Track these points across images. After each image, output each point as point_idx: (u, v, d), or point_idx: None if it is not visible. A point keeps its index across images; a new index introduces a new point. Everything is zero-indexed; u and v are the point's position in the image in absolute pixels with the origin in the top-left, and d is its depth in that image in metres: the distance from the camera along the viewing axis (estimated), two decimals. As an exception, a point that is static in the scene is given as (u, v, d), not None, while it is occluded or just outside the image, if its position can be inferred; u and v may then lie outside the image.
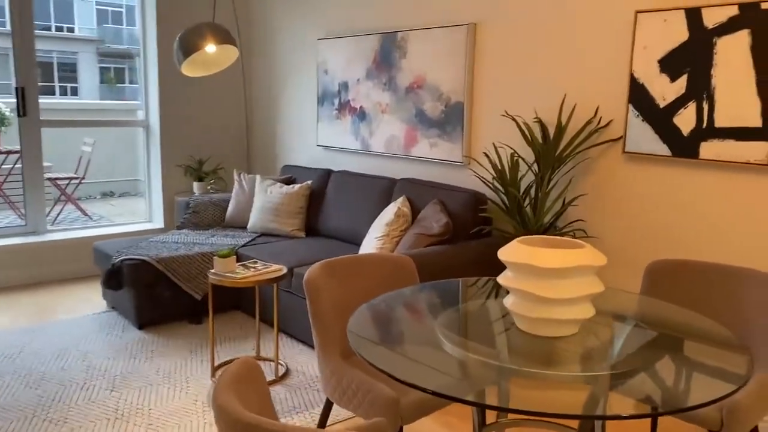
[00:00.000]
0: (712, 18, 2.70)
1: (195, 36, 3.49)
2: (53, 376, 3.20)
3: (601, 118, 3.17)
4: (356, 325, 1.91)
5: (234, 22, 5.48)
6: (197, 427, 2.74)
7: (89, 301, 4.38)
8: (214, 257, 3.11)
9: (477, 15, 3.69)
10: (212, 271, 3.13)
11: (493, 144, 3.50)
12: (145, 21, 5.20)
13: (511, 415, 2.41)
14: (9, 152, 6.85)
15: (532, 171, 3.36)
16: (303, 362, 3.41)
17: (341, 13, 4.60)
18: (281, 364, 3.36)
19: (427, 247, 3.33)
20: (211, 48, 3.58)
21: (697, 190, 2.85)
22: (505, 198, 3.32)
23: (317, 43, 4.79)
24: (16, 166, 6.79)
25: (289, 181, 4.72)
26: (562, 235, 3.22)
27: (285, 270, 3.22)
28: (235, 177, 4.77)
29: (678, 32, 2.81)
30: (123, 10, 24.33)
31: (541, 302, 1.73)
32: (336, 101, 4.68)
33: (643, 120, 2.97)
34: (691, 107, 2.79)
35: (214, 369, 3.26)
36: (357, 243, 4.07)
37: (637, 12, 2.94)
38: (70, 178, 7.20)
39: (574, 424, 2.33)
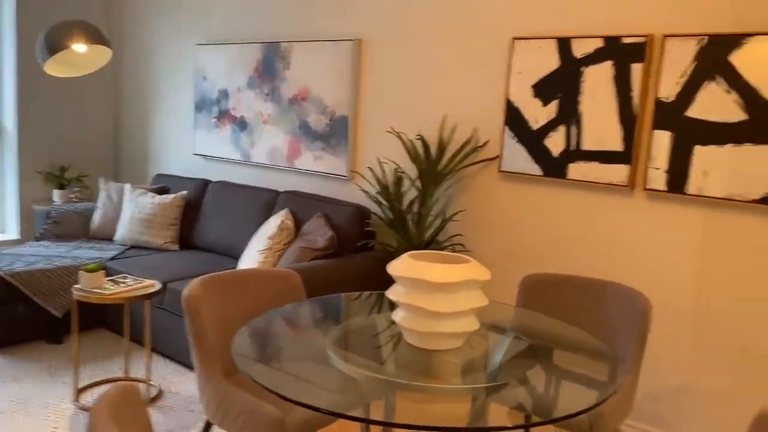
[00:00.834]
0: (580, 49, 2.91)
1: (63, 33, 3.23)
2: None
3: (479, 138, 3.31)
4: (240, 344, 1.84)
5: (104, 21, 5.16)
6: (57, 458, 2.51)
7: (-74, 320, 3.89)
8: (80, 272, 2.88)
9: (363, 31, 3.73)
10: (77, 286, 2.89)
11: (378, 159, 3.54)
12: (1, 14, 4.75)
13: (395, 430, 2.43)
14: None
15: (415, 187, 3.44)
16: (177, 383, 3.24)
17: (222, 20, 4.47)
18: (153, 385, 3.16)
19: (312, 261, 3.30)
20: (80, 47, 3.34)
21: (566, 208, 3.05)
22: (389, 212, 3.36)
23: (196, 49, 4.61)
24: None
25: (162, 191, 4.48)
26: (442, 249, 3.31)
27: (158, 285, 3.04)
28: (101, 185, 4.46)
29: (550, 60, 3.00)
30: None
31: (431, 316, 1.76)
32: (215, 109, 4.53)
33: (517, 141, 3.13)
34: (561, 131, 2.99)
35: (78, 392, 3.01)
36: (235, 256, 3.95)
37: (514, 38, 3.11)
38: None
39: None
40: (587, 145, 2.92)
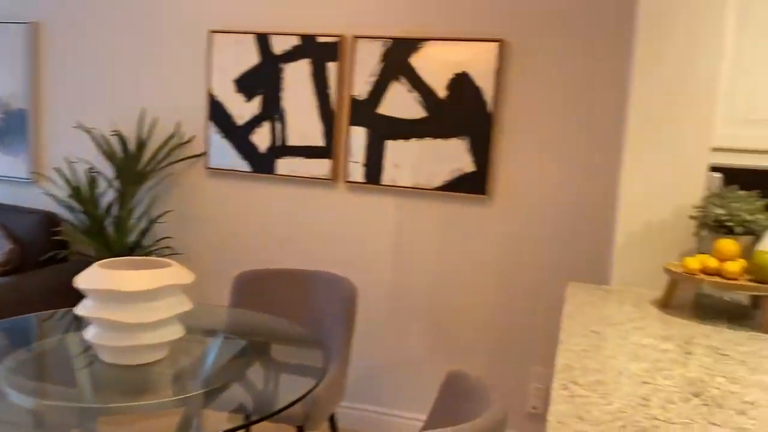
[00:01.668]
0: (279, 45, 2.95)
1: None
2: None
3: (184, 133, 3.15)
4: None
5: None
6: None
7: None
8: None
9: (41, 14, 3.28)
10: None
11: (66, 159, 3.16)
12: None
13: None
14: None
15: (113, 187, 3.15)
16: None
17: None
18: None
19: (-14, 280, 2.80)
20: None
21: (276, 203, 3.08)
22: (83, 218, 3.02)
23: None
24: None
25: None
26: (149, 254, 3.09)
27: None
28: None
29: (250, 55, 2.99)
30: None
31: (127, 329, 1.61)
32: None
33: (223, 137, 3.06)
34: (266, 126, 3.00)
35: None
36: None
37: (211, 31, 3.02)
38: None
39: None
40: (293, 140, 2.98)
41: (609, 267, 2.23)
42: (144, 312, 1.61)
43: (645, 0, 1.99)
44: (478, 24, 2.70)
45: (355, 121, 2.88)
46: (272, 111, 2.99)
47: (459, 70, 2.71)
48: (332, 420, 2.37)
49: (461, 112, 2.73)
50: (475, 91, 2.70)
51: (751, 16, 2.03)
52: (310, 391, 1.64)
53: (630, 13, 2.52)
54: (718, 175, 2.06)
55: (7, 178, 3.38)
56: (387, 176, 2.86)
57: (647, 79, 2.00)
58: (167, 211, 3.21)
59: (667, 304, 1.85)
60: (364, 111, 2.87)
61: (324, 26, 2.91)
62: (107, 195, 3.24)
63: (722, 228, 1.79)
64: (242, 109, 3.03)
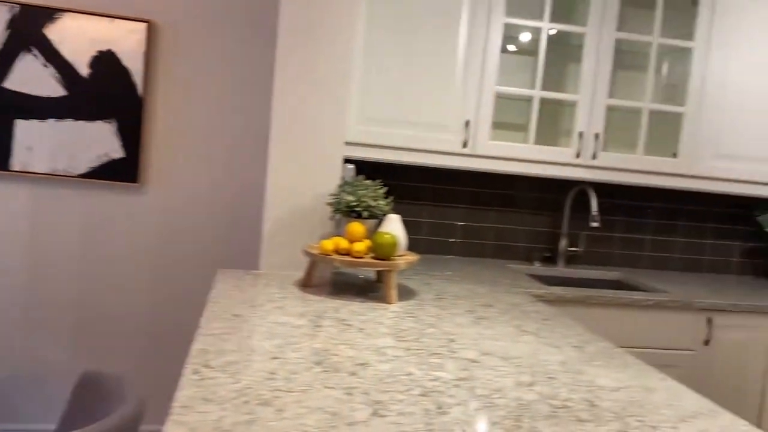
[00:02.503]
0: None
1: None
2: None
3: None
4: None
5: None
6: None
7: None
8: None
9: None
10: None
11: None
12: None
13: None
14: None
15: None
16: None
17: None
18: None
19: None
20: None
21: None
22: None
23: None
24: None
25: None
26: None
27: None
28: None
29: None
30: None
31: None
32: None
33: None
34: None
35: None
36: None
37: None
38: None
39: None
40: None
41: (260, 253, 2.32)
42: None
43: (287, -2, 2.09)
44: (126, 1, 2.54)
45: (-26, 96, 2.46)
46: None
47: (104, 48, 2.51)
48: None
49: (107, 92, 2.54)
50: (124, 72, 2.53)
51: (379, 26, 2.30)
52: None
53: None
54: (351, 166, 2.29)
55: None
56: (17, 161, 2.51)
57: (287, 73, 2.12)
58: None
59: (307, 283, 2.00)
60: None
61: (-72, -22, 2.41)
62: None
63: (352, 213, 2.00)
64: None
